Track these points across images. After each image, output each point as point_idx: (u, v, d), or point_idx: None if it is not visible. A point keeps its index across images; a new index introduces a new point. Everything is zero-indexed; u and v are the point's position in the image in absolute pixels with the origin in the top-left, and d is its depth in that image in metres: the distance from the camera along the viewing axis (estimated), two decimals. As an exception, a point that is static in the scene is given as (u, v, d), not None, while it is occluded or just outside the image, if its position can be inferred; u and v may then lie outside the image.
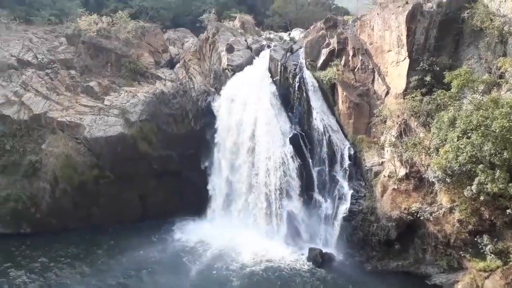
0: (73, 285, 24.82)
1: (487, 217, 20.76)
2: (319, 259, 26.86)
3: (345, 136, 29.06)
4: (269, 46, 34.15)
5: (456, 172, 20.45)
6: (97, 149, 30.58)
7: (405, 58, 25.74)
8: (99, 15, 38.45)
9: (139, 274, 25.96)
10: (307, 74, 29.79)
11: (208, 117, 32.86)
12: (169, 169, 32.22)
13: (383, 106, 27.13)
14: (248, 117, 30.59)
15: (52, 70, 33.48)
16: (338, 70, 28.98)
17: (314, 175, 29.44)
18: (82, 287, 24.73)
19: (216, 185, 32.73)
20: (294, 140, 29.62)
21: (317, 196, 29.28)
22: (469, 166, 19.76)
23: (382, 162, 26.92)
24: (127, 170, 30.80)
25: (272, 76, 31.32)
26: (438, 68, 24.66)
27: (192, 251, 28.70)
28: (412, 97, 24.67)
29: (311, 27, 35.16)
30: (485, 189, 19.23)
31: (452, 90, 21.78)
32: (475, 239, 21.09)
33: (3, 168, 29.90)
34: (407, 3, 25.80)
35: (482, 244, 20.71)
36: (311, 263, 26.82)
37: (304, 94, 29.60)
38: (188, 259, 27.63)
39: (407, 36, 25.09)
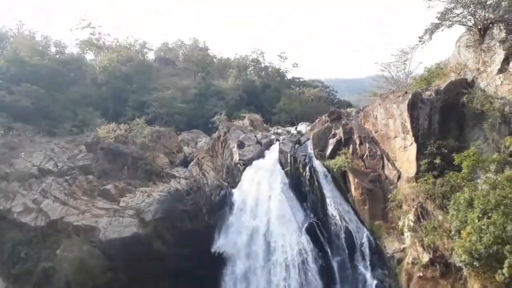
0: None
1: (525, 302, 19.19)
2: None
3: (362, 222, 28.42)
4: (277, 140, 35.75)
5: (484, 255, 19.32)
6: (112, 251, 30.04)
7: (412, 143, 26.28)
8: (117, 123, 41.00)
9: None
10: (317, 163, 30.50)
11: (222, 211, 32.66)
12: (184, 267, 31.06)
13: (397, 191, 27.00)
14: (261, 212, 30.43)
15: (71, 176, 34.45)
16: (347, 158, 29.62)
17: (335, 266, 28.17)
18: None
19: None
20: (310, 230, 29.03)
21: (340, 290, 27.59)
22: (496, 248, 18.80)
23: (404, 248, 25.79)
24: (141, 271, 29.80)
25: (283, 167, 32.04)
26: (446, 151, 24.90)
27: None
28: (425, 180, 24.66)
29: (317, 120, 36.92)
30: (517, 271, 18.10)
31: (463, 171, 21.93)
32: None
33: (15, 278, 29.19)
34: (406, 93, 27.31)
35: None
36: None
37: (316, 183, 29.88)
38: None
39: (411, 122, 25.93)
